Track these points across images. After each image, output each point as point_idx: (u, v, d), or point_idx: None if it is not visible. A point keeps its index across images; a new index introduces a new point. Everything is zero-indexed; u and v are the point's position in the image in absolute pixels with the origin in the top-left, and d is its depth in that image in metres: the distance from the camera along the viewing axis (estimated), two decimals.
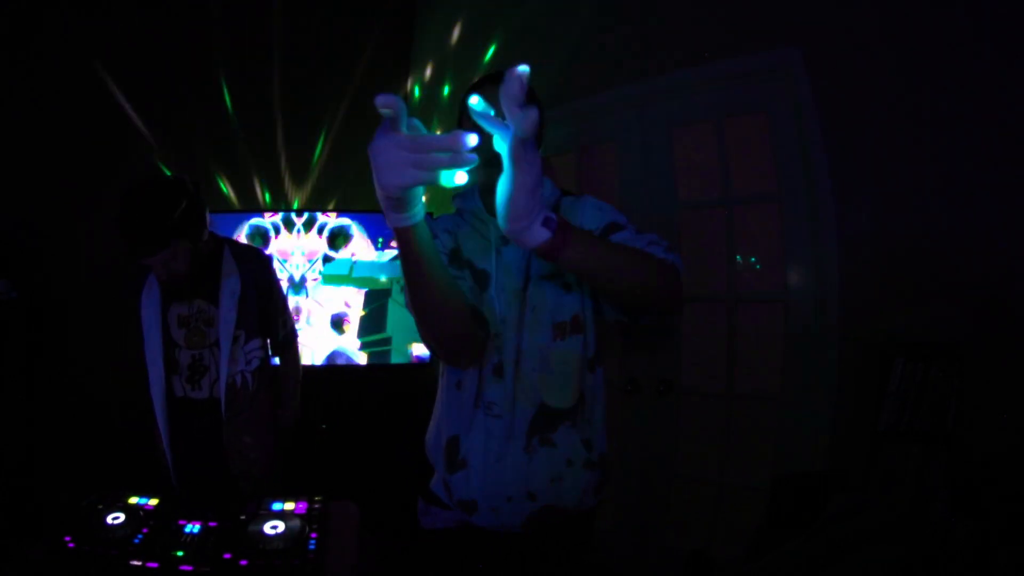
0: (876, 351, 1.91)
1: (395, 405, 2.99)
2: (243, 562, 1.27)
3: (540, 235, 0.89)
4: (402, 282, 1.27)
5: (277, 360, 2.13)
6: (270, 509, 1.47)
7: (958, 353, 1.79)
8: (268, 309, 2.00)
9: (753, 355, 2.42)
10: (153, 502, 1.50)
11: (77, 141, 2.71)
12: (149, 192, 1.72)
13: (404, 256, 0.97)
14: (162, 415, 1.85)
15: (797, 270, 2.21)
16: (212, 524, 1.40)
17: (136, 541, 1.33)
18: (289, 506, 1.49)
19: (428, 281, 1.00)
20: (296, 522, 1.37)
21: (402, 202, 0.85)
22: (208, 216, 1.87)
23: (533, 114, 0.77)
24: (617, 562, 2.57)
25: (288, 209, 3.24)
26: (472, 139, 0.77)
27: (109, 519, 1.37)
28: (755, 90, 2.24)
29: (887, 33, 1.93)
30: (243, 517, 1.42)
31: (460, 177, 0.80)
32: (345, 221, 3.00)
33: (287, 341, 2.10)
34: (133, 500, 1.51)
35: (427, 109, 3.47)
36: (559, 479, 1.25)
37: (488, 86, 1.26)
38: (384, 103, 0.77)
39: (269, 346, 2.05)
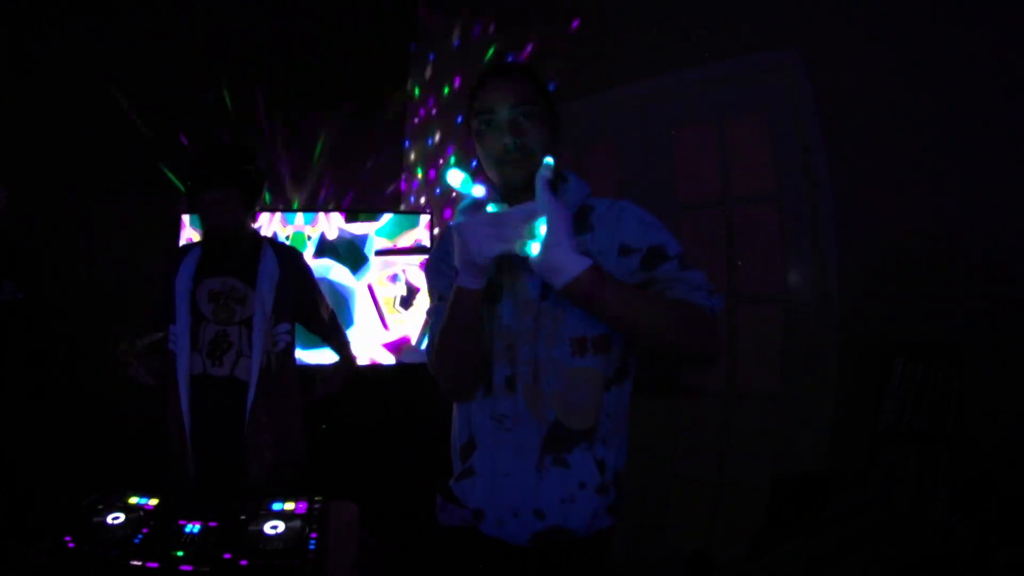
0: (876, 351, 1.91)
1: (396, 405, 2.99)
2: (243, 562, 1.27)
3: (577, 263, 0.99)
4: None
5: (326, 346, 2.21)
6: (270, 509, 1.47)
7: (958, 353, 1.79)
8: (305, 298, 2.06)
9: (753, 355, 2.42)
10: (153, 502, 1.50)
11: (79, 142, 2.71)
12: (231, 144, 2.10)
13: (458, 309, 1.10)
14: (185, 392, 1.87)
15: (797, 270, 2.21)
16: (212, 524, 1.40)
17: (136, 541, 1.33)
18: (289, 506, 1.49)
19: (467, 331, 1.14)
20: (296, 522, 1.37)
21: (483, 269, 1.03)
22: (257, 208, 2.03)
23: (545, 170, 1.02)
24: (617, 562, 2.57)
25: (288, 209, 3.24)
26: (543, 227, 0.97)
27: (109, 519, 1.37)
28: (755, 90, 2.24)
29: (887, 33, 1.93)
30: (243, 517, 1.42)
31: (535, 247, 0.98)
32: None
33: (333, 323, 2.16)
34: (133, 500, 1.51)
35: (429, 110, 3.48)
36: (570, 501, 1.20)
37: (492, 79, 1.22)
38: (454, 179, 1.00)
39: (313, 331, 2.14)
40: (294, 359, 2.08)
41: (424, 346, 1.32)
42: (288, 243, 2.16)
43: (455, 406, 1.34)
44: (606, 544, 1.29)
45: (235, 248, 1.96)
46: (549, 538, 1.22)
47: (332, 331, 2.17)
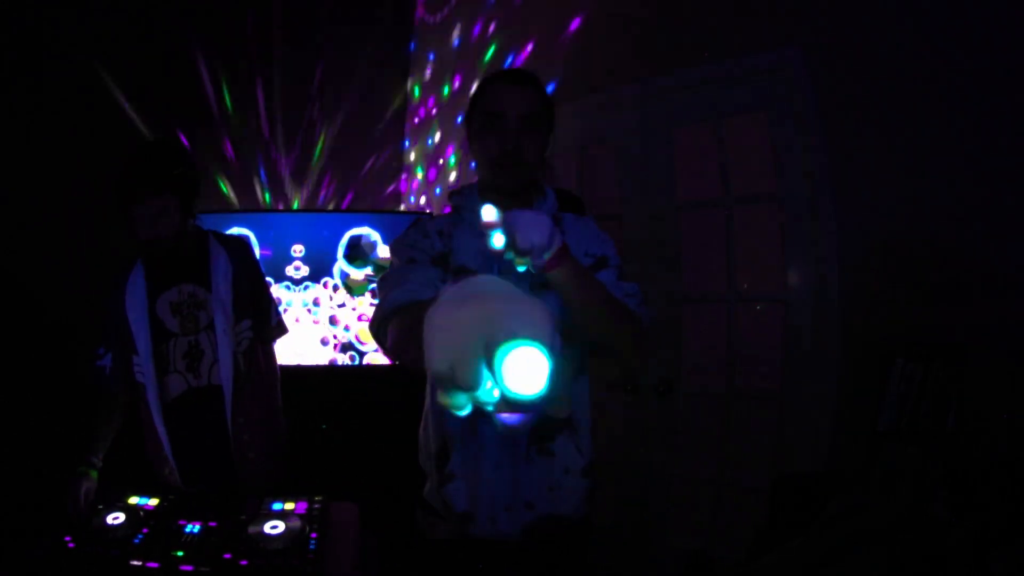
0: (876, 351, 1.91)
1: (396, 405, 2.99)
2: (243, 562, 1.28)
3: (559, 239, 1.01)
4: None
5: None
6: (270, 509, 1.47)
7: (958, 353, 1.79)
8: (257, 293, 1.97)
9: (753, 355, 2.42)
10: (153, 502, 1.51)
11: (75, 139, 2.71)
12: (158, 143, 1.88)
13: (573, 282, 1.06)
14: (159, 419, 1.79)
15: (797, 270, 2.21)
16: (212, 524, 1.40)
17: (136, 541, 1.33)
18: (289, 506, 1.49)
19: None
20: (296, 522, 1.37)
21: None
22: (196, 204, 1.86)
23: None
24: (617, 562, 2.57)
25: (288, 209, 3.24)
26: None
27: (109, 519, 1.37)
28: (755, 90, 2.24)
29: (887, 33, 1.93)
30: (243, 517, 1.42)
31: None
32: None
33: (279, 330, 2.05)
34: (133, 500, 1.51)
35: (427, 107, 3.48)
36: (557, 487, 1.24)
37: (504, 83, 1.24)
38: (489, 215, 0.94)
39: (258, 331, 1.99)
40: (270, 353, 2.03)
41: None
42: (232, 234, 2.05)
43: (426, 411, 1.34)
44: (588, 533, 1.35)
45: (180, 251, 1.83)
46: (540, 528, 1.23)
47: (271, 340, 2.03)
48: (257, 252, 2.86)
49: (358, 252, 2.95)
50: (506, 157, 1.20)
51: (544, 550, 1.27)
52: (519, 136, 1.20)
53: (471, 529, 1.24)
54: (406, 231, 1.31)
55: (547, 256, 0.98)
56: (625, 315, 1.19)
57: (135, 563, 1.26)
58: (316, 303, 2.98)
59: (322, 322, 2.98)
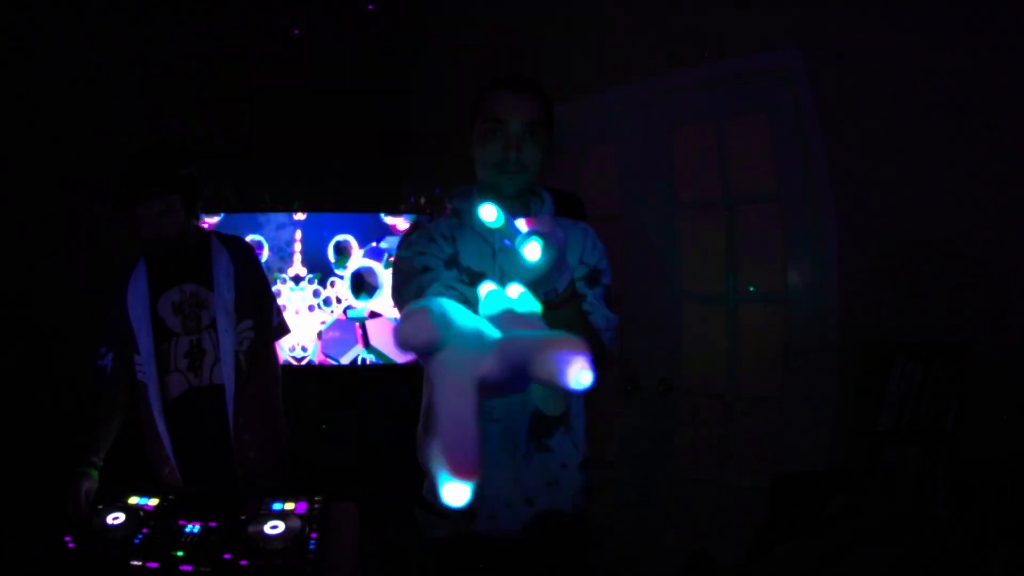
0: (876, 351, 1.91)
1: (396, 404, 2.99)
2: (243, 562, 1.28)
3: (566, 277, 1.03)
4: None
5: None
6: (270, 509, 1.47)
7: (958, 353, 1.79)
8: (258, 293, 1.97)
9: (753, 355, 2.42)
10: (153, 502, 1.50)
11: (75, 139, 2.71)
12: (166, 144, 1.85)
13: None
14: (160, 418, 1.79)
15: (797, 270, 2.21)
16: (212, 524, 1.40)
17: (136, 541, 1.33)
18: (289, 506, 1.49)
19: None
20: (296, 522, 1.38)
21: None
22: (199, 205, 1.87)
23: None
24: (617, 562, 2.57)
25: (287, 209, 3.23)
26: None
27: (109, 519, 1.37)
28: (755, 90, 2.24)
29: (887, 33, 1.93)
30: (243, 517, 1.42)
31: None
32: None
33: (280, 330, 2.05)
34: (133, 500, 1.51)
35: (429, 108, 3.48)
36: (555, 483, 1.27)
37: (508, 91, 1.26)
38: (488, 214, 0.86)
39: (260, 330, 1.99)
40: (271, 354, 2.02)
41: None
42: (233, 235, 2.04)
43: (424, 408, 1.35)
44: (587, 527, 1.37)
45: (182, 251, 1.83)
46: (540, 523, 1.25)
47: (272, 341, 2.02)
48: (264, 255, 2.90)
49: (364, 286, 2.97)
50: (507, 163, 1.22)
51: (543, 547, 1.29)
52: (521, 142, 1.22)
53: (472, 526, 1.26)
54: (410, 238, 1.32)
55: (554, 298, 1.01)
56: (595, 353, 1.22)
57: (135, 563, 1.26)
58: (327, 302, 2.99)
59: (318, 309, 2.99)
